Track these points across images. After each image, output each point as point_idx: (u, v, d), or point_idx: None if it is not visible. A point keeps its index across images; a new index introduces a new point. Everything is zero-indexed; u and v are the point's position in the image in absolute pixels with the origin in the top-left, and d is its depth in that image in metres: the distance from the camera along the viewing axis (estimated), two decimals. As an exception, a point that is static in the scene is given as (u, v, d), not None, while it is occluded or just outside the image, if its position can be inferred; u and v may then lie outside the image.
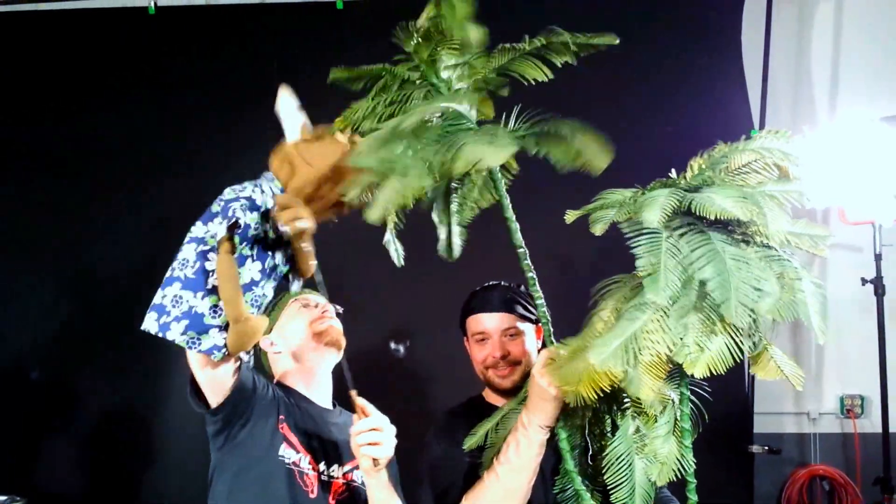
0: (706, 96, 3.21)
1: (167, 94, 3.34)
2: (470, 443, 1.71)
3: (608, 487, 1.50)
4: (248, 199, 1.49)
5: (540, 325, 2.01)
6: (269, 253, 1.54)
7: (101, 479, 3.14)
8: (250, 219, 1.48)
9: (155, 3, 3.36)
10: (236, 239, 1.46)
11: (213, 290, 1.46)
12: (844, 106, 3.55)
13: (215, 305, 1.46)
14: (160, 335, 1.46)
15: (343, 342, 1.93)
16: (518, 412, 1.64)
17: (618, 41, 1.42)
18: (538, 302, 1.57)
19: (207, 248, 1.46)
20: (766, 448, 3.19)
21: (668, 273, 1.28)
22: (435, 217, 1.62)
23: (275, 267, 1.56)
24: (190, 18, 3.46)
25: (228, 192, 1.51)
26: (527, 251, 1.54)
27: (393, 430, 1.67)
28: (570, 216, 1.45)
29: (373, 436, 1.62)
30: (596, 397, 1.36)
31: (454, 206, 1.61)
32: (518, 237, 1.54)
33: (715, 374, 1.30)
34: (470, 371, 2.01)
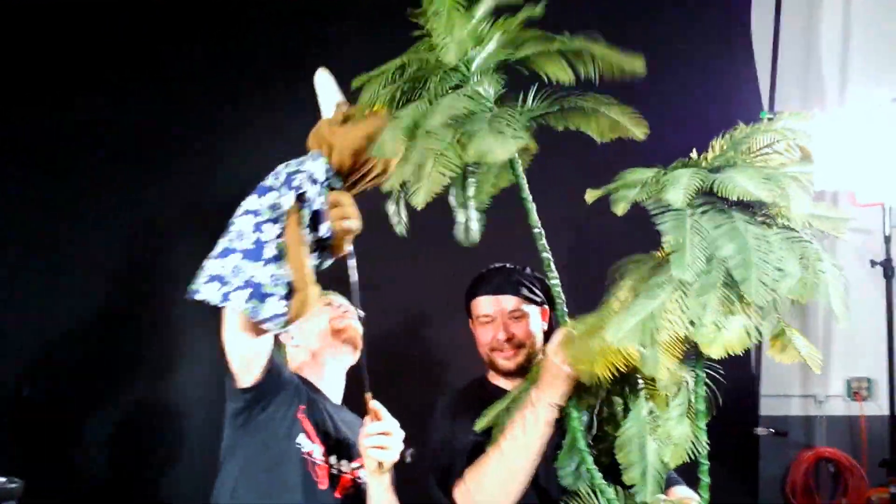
0: (716, 79, 3.20)
1: (166, 83, 3.31)
2: (481, 424, 1.71)
3: (621, 468, 1.51)
4: (309, 173, 1.51)
5: (544, 307, 2.02)
6: (316, 228, 1.54)
7: (106, 476, 3.15)
8: (312, 191, 1.50)
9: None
10: (304, 210, 1.48)
11: (273, 259, 1.47)
12: (854, 88, 3.52)
13: (274, 275, 1.47)
14: (222, 304, 1.47)
15: (360, 343, 1.95)
16: (528, 393, 1.65)
17: (643, 70, 1.42)
18: (553, 282, 1.56)
19: (263, 219, 1.48)
20: (773, 430, 3.20)
21: (693, 250, 1.28)
22: (452, 200, 1.62)
23: (318, 241, 1.56)
24: (195, 4, 3.44)
25: (283, 168, 1.53)
26: (542, 231, 1.54)
27: (402, 435, 1.68)
28: (590, 196, 1.44)
29: (381, 440, 1.64)
30: (610, 377, 1.36)
31: (471, 191, 1.61)
32: (534, 217, 1.53)
33: (731, 355, 1.30)
34: (475, 356, 2.02)
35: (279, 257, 1.48)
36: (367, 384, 1.71)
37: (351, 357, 1.97)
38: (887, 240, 3.10)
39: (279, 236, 1.49)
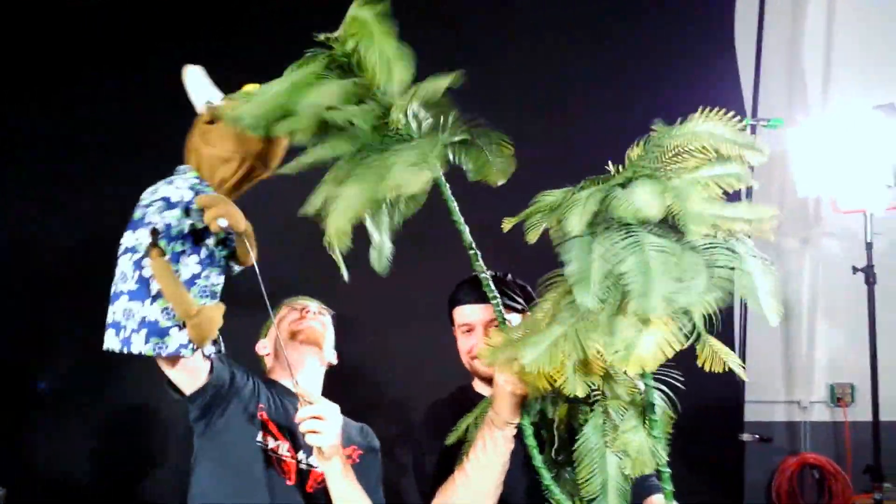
0: (698, 86, 3.20)
1: (153, 80, 3.30)
2: (451, 439, 1.71)
3: (578, 481, 1.49)
4: (163, 199, 1.51)
5: (526, 313, 2.01)
6: (203, 243, 1.55)
7: (98, 475, 3.12)
8: (170, 217, 1.50)
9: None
10: (162, 242, 1.48)
11: (160, 294, 1.47)
12: (837, 95, 3.55)
13: (165, 308, 1.48)
14: (124, 351, 1.46)
15: (322, 342, 1.98)
16: None
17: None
18: (493, 301, 1.58)
19: (140, 255, 1.48)
20: (757, 436, 3.20)
21: (596, 276, 1.27)
22: (369, 226, 1.61)
23: (212, 254, 1.57)
24: (182, 8, 3.42)
25: (144, 196, 1.54)
26: (478, 252, 1.55)
27: (338, 419, 1.67)
28: (507, 224, 1.44)
29: (313, 424, 1.62)
30: (546, 391, 1.36)
31: (384, 216, 1.60)
32: (468, 238, 1.54)
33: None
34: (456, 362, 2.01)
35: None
36: (291, 371, 1.72)
37: (317, 356, 1.98)
38: (869, 246, 3.11)
39: None
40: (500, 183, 1.50)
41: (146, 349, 1.46)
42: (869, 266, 3.11)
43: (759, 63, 3.35)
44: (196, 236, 1.53)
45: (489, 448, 1.58)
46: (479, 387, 2.00)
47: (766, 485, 3.45)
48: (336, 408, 1.68)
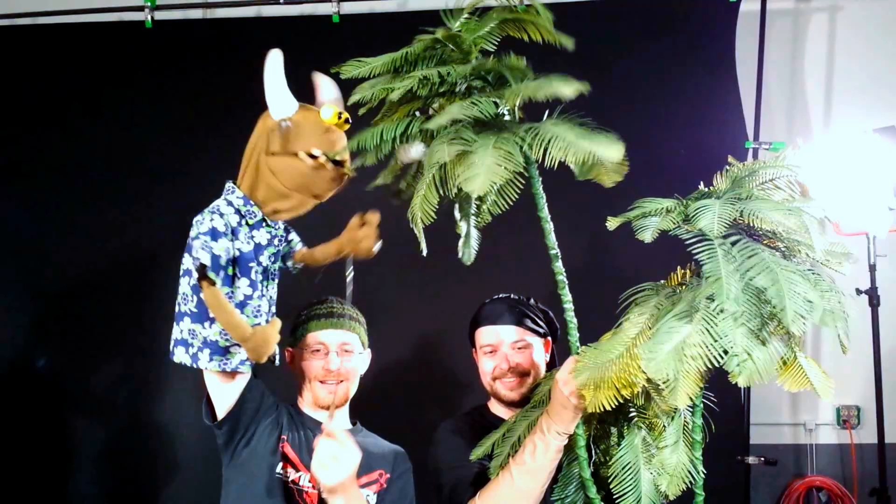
0: (700, 109, 3.23)
1: (164, 107, 3.35)
2: (477, 453, 1.72)
3: (614, 497, 1.50)
4: (209, 231, 1.56)
5: (548, 339, 2.02)
6: (254, 262, 1.61)
7: (111, 490, 3.13)
8: (218, 249, 1.56)
9: (152, 17, 3.38)
10: (211, 274, 1.53)
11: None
12: (838, 118, 3.56)
13: (223, 330, 1.56)
14: (194, 365, 1.58)
15: (341, 404, 1.92)
16: (525, 422, 1.66)
17: (586, 90, 1.43)
18: (566, 306, 1.56)
19: (195, 280, 1.55)
20: (763, 459, 3.19)
21: (730, 279, 1.29)
22: (457, 214, 1.61)
23: (265, 270, 1.65)
24: (187, 32, 3.47)
25: (194, 225, 1.59)
26: (559, 253, 1.54)
27: (352, 463, 1.64)
28: (612, 223, 1.45)
29: (325, 457, 1.61)
30: (612, 406, 1.37)
31: (472, 209, 1.60)
32: (552, 238, 1.53)
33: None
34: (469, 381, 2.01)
35: None
36: (332, 410, 1.80)
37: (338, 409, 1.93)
38: (872, 268, 3.12)
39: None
40: (610, 184, 1.51)
41: (211, 366, 1.59)
42: (873, 288, 3.11)
43: (761, 86, 3.37)
44: (246, 258, 1.60)
45: (539, 454, 1.58)
46: (495, 408, 2.00)
47: (773, 508, 3.43)
48: (356, 453, 1.65)
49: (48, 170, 3.33)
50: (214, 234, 1.56)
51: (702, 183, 1.48)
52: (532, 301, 2.01)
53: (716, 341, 1.28)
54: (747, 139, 3.22)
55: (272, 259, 1.67)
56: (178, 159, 3.30)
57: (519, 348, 1.94)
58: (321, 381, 1.89)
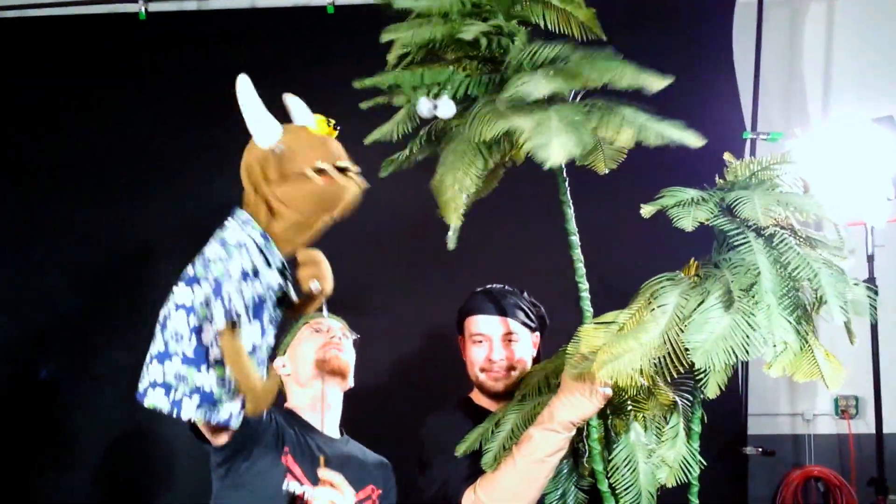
0: (697, 99, 3.20)
1: (158, 99, 3.33)
2: (462, 448, 1.71)
3: (616, 492, 1.50)
4: (242, 273, 1.36)
5: (537, 333, 2.01)
6: (264, 305, 1.41)
7: (109, 492, 3.12)
8: (248, 294, 1.36)
9: (145, 9, 3.36)
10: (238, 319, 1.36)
11: (218, 363, 1.36)
12: (836, 107, 3.56)
13: (221, 377, 1.37)
14: (173, 413, 1.36)
15: (348, 371, 1.93)
16: (515, 414, 1.65)
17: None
18: (582, 294, 1.55)
19: (199, 319, 1.35)
20: (761, 449, 3.19)
21: (770, 273, 1.32)
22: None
23: (271, 318, 1.44)
24: (180, 23, 3.45)
25: (214, 260, 1.36)
26: (577, 239, 1.53)
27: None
28: (646, 210, 1.44)
29: (324, 500, 1.64)
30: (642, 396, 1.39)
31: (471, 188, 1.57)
32: (572, 224, 1.52)
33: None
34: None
35: (223, 360, 1.36)
36: (325, 456, 1.76)
37: (340, 386, 1.94)
38: (870, 259, 3.12)
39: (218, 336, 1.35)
40: (606, 171, 1.50)
41: (196, 415, 1.37)
42: (871, 278, 3.11)
43: (758, 76, 3.36)
44: (256, 301, 1.39)
45: (541, 445, 1.57)
46: (479, 399, 1.99)
47: (771, 498, 3.43)
48: (353, 498, 1.68)
49: (39, 164, 3.31)
50: (245, 276, 1.35)
51: (716, 176, 1.48)
52: (525, 294, 2.00)
53: (755, 331, 1.28)
54: (745, 129, 3.21)
55: (274, 304, 1.46)
56: (172, 152, 3.28)
57: (509, 340, 1.93)
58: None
